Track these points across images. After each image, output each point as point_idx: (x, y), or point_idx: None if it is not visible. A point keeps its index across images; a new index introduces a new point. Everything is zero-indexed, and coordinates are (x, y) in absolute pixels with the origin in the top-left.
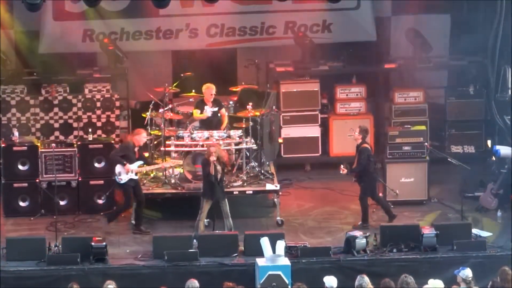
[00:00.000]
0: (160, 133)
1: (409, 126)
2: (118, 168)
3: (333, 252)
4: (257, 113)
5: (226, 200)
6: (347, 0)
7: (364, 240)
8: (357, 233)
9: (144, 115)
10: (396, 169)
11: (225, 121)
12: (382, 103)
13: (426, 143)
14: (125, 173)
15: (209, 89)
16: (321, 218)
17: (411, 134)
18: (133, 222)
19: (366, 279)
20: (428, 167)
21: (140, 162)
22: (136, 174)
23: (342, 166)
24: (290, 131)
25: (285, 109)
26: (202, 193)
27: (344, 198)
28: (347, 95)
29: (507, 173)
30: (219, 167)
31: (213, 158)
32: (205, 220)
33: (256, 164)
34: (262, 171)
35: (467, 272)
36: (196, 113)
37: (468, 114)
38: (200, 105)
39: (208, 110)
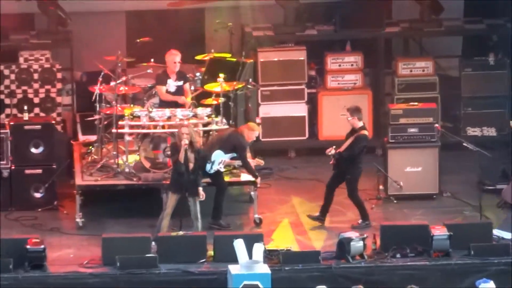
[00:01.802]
0: (111, 112)
1: (415, 103)
2: (219, 156)
3: (323, 257)
4: (230, 88)
5: (197, 197)
6: None
7: (361, 243)
8: (352, 234)
9: (92, 90)
10: (400, 156)
11: (189, 97)
12: (382, 76)
13: (436, 124)
14: (221, 164)
15: (173, 57)
16: (306, 214)
17: (418, 113)
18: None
19: None
20: (439, 154)
21: (233, 154)
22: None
23: (333, 147)
24: (270, 110)
25: (264, 83)
26: (169, 184)
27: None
28: (339, 65)
29: None
30: (191, 155)
31: (185, 142)
32: (169, 218)
33: None
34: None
35: (490, 286)
36: (162, 89)
37: (487, 89)
38: (163, 78)
39: (172, 85)
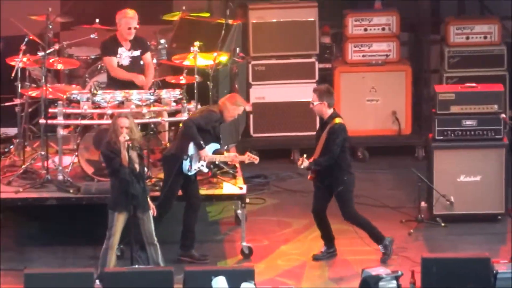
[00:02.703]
0: (38, 94)
1: (473, 84)
2: (191, 149)
3: None
4: (208, 61)
5: (150, 212)
6: None
7: (394, 284)
8: (381, 270)
9: (11, 63)
10: (450, 160)
11: (151, 73)
12: (427, 45)
13: (503, 115)
14: (197, 160)
15: (127, 19)
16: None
17: (477, 98)
18: (182, 244)
19: None
20: (506, 157)
21: (216, 146)
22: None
23: (304, 156)
24: (265, 93)
25: (257, 54)
26: (110, 202)
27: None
28: (365, 29)
29: None
30: (133, 153)
31: (124, 138)
32: (116, 247)
33: None
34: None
35: None
36: (112, 61)
37: None
38: (112, 46)
39: (125, 55)
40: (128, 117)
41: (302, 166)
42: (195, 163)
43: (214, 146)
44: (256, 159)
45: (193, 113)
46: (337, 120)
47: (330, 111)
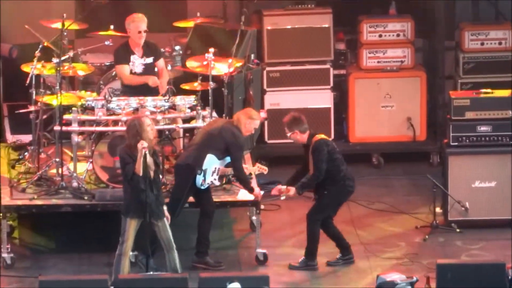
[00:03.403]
0: (53, 101)
1: (488, 90)
2: (207, 163)
3: None
4: (223, 67)
5: (165, 220)
6: None
7: None
8: (396, 276)
9: (25, 69)
10: (465, 165)
11: (165, 79)
12: (442, 51)
13: None
14: (211, 174)
15: (136, 23)
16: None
17: (492, 104)
18: (196, 252)
19: None
20: None
21: (228, 160)
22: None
23: (280, 187)
24: (280, 99)
25: (271, 60)
26: (123, 207)
27: (374, 215)
28: (380, 36)
29: None
30: (151, 160)
31: (142, 145)
32: (131, 253)
33: None
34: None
35: None
36: (124, 69)
37: None
38: (124, 53)
39: (138, 63)
40: (146, 120)
41: (283, 197)
42: (209, 177)
43: (228, 159)
44: (265, 169)
45: (206, 125)
46: (317, 137)
47: (305, 136)
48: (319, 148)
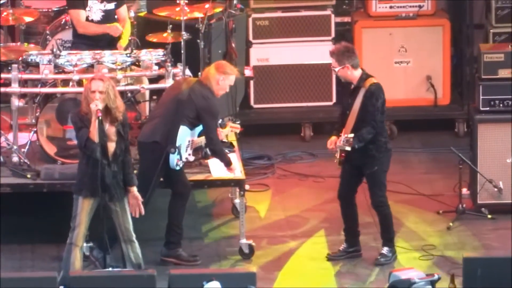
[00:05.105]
0: None
1: None
2: (180, 138)
3: None
4: (198, 14)
5: (125, 201)
6: None
7: None
8: (413, 273)
9: None
10: (498, 136)
11: (128, 29)
12: None
13: None
14: (185, 149)
15: None
16: (337, 239)
17: None
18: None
19: None
20: None
21: (200, 128)
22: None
23: (344, 137)
24: (269, 53)
25: (259, 5)
26: (75, 184)
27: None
28: None
29: None
30: (109, 127)
31: (97, 106)
32: (85, 244)
33: None
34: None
35: None
36: (80, 15)
37: None
38: None
39: (96, 8)
40: (104, 80)
41: (342, 146)
42: (184, 153)
43: (200, 127)
44: (238, 127)
45: (172, 86)
46: (371, 81)
47: (357, 73)
48: (377, 94)
